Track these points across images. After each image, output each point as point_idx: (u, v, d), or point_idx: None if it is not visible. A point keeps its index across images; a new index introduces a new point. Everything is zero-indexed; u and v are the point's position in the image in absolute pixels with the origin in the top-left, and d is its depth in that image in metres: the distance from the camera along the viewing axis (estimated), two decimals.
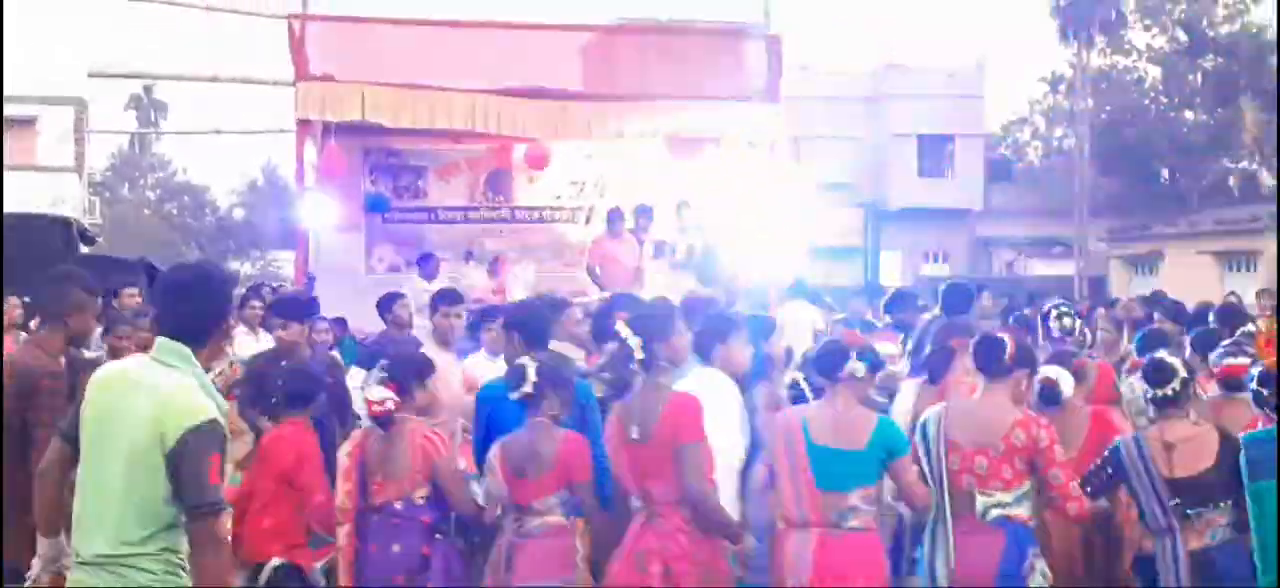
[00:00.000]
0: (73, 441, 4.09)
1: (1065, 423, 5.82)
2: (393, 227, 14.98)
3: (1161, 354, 5.58)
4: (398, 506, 5.71)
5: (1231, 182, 45.99)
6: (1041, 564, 5.17)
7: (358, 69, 12.98)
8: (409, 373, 5.93)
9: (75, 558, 4.01)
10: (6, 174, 37.04)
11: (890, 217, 43.99)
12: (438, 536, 5.76)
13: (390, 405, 5.72)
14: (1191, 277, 31.45)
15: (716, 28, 19.10)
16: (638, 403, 5.28)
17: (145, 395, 3.95)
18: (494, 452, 5.58)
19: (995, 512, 5.15)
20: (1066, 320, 7.39)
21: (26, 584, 4.21)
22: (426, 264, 13.54)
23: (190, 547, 3.99)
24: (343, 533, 5.84)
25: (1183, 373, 5.40)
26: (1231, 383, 6.14)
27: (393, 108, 12.89)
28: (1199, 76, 45.99)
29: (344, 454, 5.99)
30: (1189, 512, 5.24)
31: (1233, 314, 9.19)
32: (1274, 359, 5.74)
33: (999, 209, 46.04)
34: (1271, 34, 44.78)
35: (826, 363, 5.31)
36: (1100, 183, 44.26)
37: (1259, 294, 17.42)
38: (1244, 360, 6.17)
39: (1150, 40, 47.19)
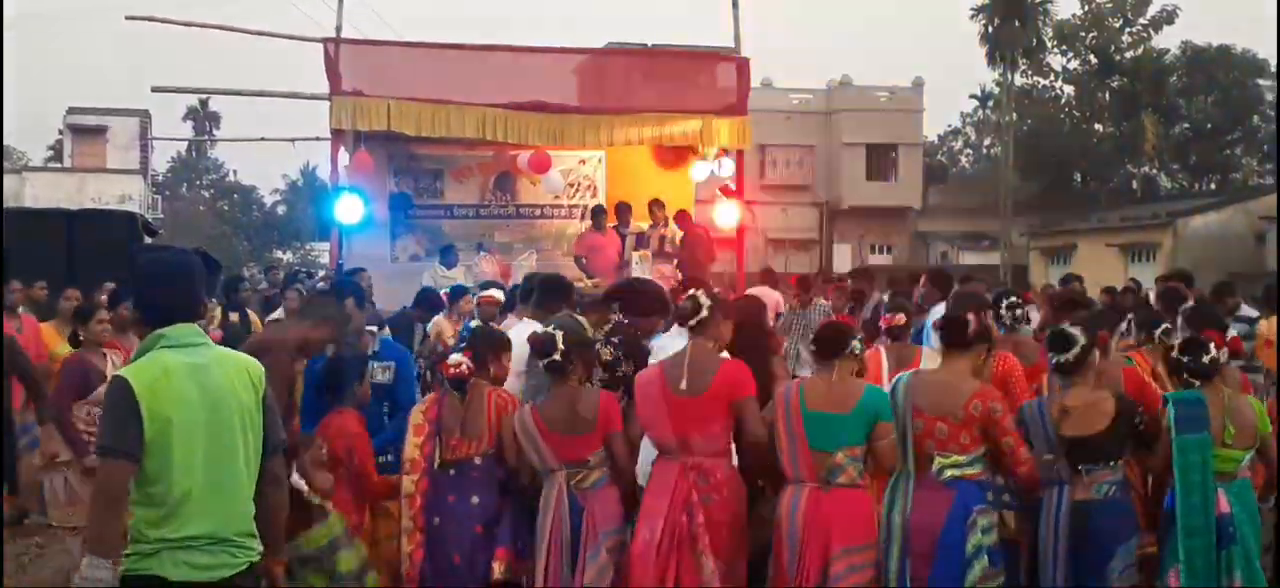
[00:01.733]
0: (136, 457, 3.54)
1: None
2: (414, 221, 14.91)
3: (1064, 326, 5.53)
4: (476, 461, 5.47)
5: (1134, 185, 46.19)
6: (985, 520, 5.09)
7: (384, 86, 12.93)
8: (488, 346, 5.68)
9: (188, 542, 3.60)
10: (83, 176, 37.06)
11: (842, 214, 44.09)
12: (508, 489, 5.53)
13: (464, 369, 5.47)
14: (1099, 266, 31.58)
15: (693, 51, 19.10)
16: (686, 362, 5.22)
17: (226, 370, 3.76)
18: (528, 416, 5.36)
19: (949, 472, 5.10)
20: (1017, 310, 7.29)
21: None
22: (448, 255, 13.52)
23: (272, 481, 3.89)
24: (410, 481, 5.53)
25: (1082, 342, 5.32)
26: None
27: (414, 119, 12.86)
28: (1107, 95, 46.13)
29: (418, 413, 5.67)
30: (1080, 467, 5.18)
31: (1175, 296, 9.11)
32: (1273, 357, 5.63)
33: (935, 208, 46.12)
34: (1169, 59, 44.98)
35: (830, 345, 5.25)
36: (1022, 185, 44.39)
37: (1157, 280, 17.47)
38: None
39: (1066, 63, 47.37)
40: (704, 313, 5.32)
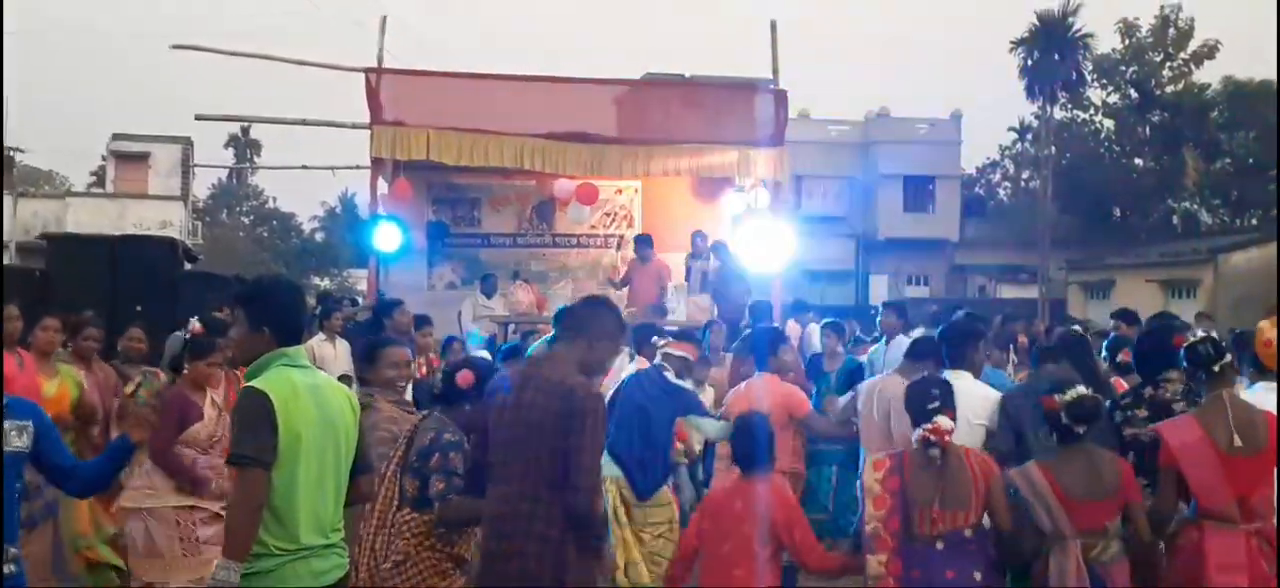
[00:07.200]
0: (272, 467, 3.72)
1: None
2: (451, 249, 15.04)
3: None
4: (967, 532, 4.77)
5: (1174, 220, 45.70)
6: None
7: (424, 115, 13.00)
8: (950, 397, 4.99)
9: (306, 551, 3.80)
10: (125, 202, 37.45)
11: (878, 246, 43.88)
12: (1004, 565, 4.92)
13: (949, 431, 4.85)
14: (1138, 301, 31.20)
15: (731, 83, 19.11)
16: (1228, 414, 4.74)
17: (337, 395, 4.05)
18: (1037, 474, 4.80)
19: None
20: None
21: None
22: (488, 283, 13.62)
23: (355, 500, 4.22)
24: (877, 563, 4.80)
25: None
26: None
27: (453, 148, 12.92)
28: (1147, 129, 45.73)
29: (873, 481, 4.93)
30: None
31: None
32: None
33: (973, 240, 45.83)
34: (1210, 94, 44.55)
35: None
36: (1061, 219, 44.03)
37: (1197, 317, 17.28)
38: None
39: (1105, 97, 46.96)
40: (1228, 357, 4.89)
